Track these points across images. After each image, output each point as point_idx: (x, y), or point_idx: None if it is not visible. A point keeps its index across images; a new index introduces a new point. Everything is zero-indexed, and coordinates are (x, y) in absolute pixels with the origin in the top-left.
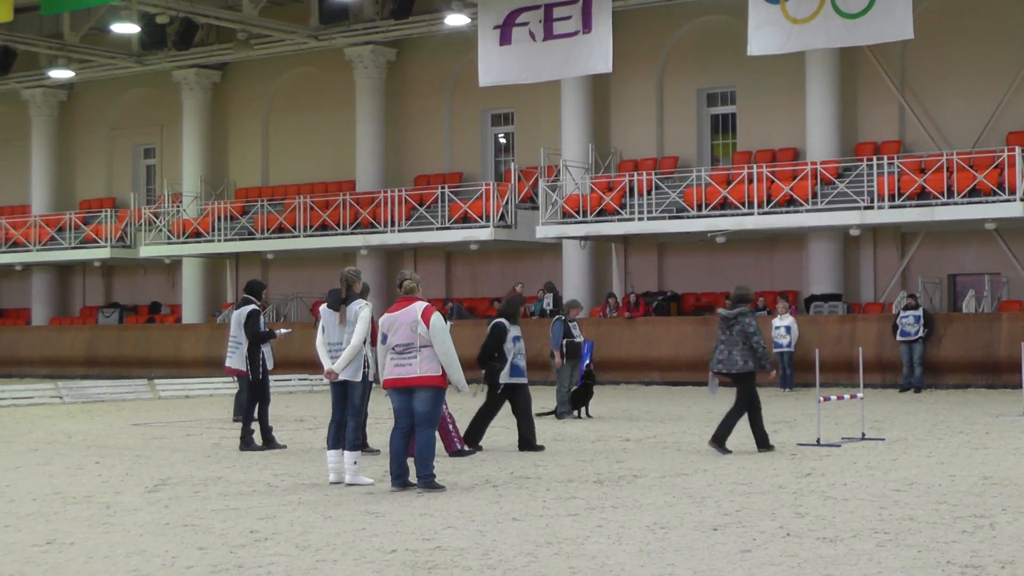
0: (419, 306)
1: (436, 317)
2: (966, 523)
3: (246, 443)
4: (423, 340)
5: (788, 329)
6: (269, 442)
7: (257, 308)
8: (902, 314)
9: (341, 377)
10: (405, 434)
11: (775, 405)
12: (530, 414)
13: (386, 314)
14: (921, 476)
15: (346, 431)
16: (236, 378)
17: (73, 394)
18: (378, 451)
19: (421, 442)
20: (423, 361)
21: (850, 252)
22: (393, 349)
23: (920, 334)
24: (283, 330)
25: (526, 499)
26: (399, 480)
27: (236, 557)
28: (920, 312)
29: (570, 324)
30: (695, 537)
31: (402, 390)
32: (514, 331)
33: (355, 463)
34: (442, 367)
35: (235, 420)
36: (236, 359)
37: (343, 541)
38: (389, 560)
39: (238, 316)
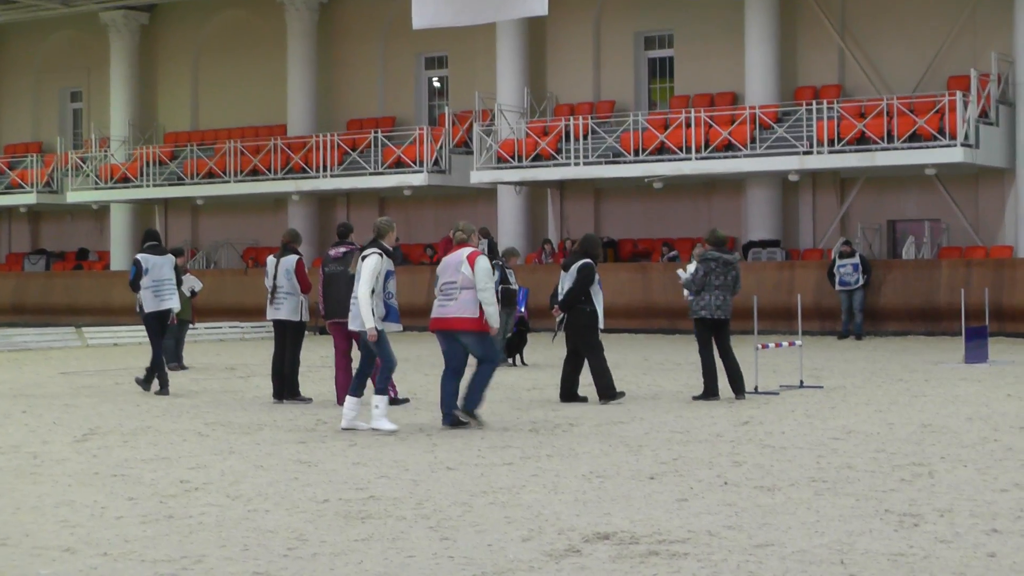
0: (466, 250)
1: (481, 259)
2: (904, 471)
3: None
4: (465, 282)
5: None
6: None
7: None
8: (839, 262)
9: (352, 327)
10: (455, 375)
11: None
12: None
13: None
14: (859, 424)
15: (377, 375)
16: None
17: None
18: (310, 399)
19: (479, 374)
20: (461, 304)
21: (789, 198)
22: (440, 290)
23: (859, 283)
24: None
25: (461, 448)
26: (449, 418)
27: (166, 507)
28: (857, 260)
29: (507, 271)
30: (632, 486)
31: (445, 333)
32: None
33: (377, 407)
34: (480, 309)
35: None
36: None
37: (275, 491)
38: (321, 510)
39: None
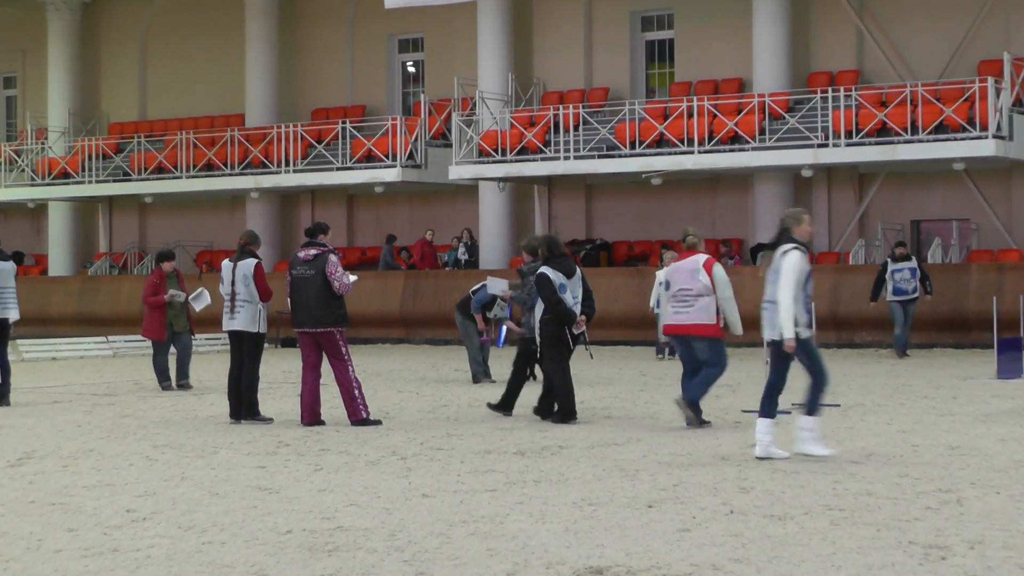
0: (701, 257)
1: (717, 267)
2: (930, 498)
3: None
4: (702, 289)
5: None
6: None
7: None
8: (893, 267)
9: (768, 336)
10: (695, 376)
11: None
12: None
13: (672, 264)
14: (880, 446)
15: (811, 394)
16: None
17: None
18: (271, 419)
19: (709, 373)
20: (698, 310)
21: (801, 195)
22: (674, 296)
23: (917, 292)
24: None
25: (438, 473)
26: (692, 420)
27: (111, 539)
28: (915, 264)
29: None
30: (627, 515)
31: (681, 338)
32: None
33: (810, 430)
34: (716, 315)
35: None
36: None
37: (232, 521)
38: (284, 542)
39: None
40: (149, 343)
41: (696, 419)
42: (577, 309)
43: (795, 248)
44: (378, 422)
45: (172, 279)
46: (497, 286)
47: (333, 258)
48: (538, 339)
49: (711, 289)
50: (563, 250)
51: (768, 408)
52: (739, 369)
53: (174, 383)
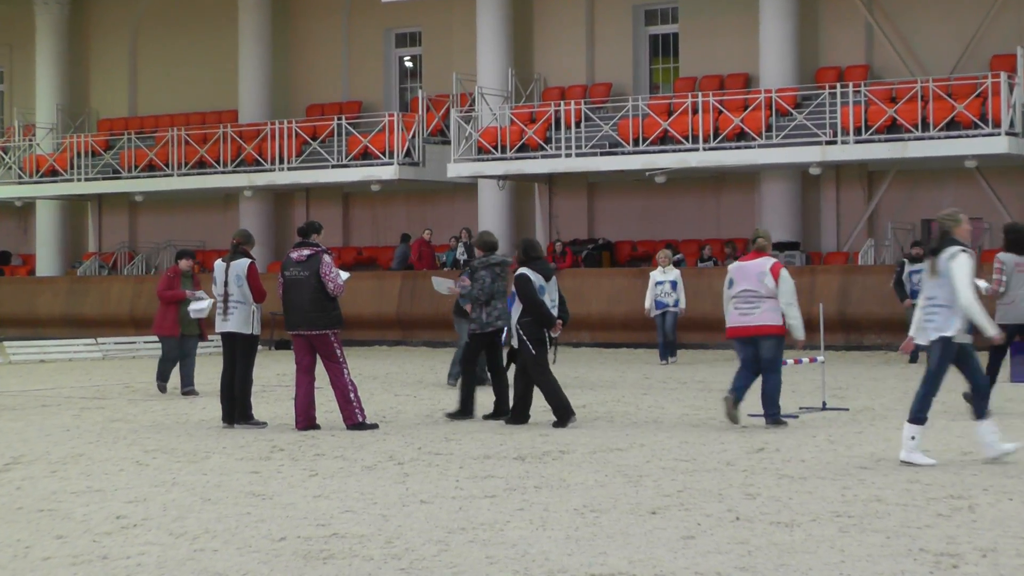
0: (768, 260)
1: (784, 272)
2: (941, 505)
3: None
4: (767, 292)
5: (674, 285)
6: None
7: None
8: (911, 268)
9: (919, 341)
10: (753, 374)
11: (705, 372)
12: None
13: (736, 263)
14: (890, 451)
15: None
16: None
17: None
18: (265, 423)
19: (769, 385)
20: (765, 311)
21: (809, 194)
22: (737, 296)
23: None
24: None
25: (436, 479)
26: (773, 417)
27: (100, 547)
28: None
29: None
30: (631, 521)
31: (745, 339)
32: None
33: (912, 438)
34: (782, 317)
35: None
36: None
37: (224, 528)
38: (278, 549)
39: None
40: (140, 345)
41: (780, 419)
42: (555, 312)
43: (962, 251)
44: (375, 426)
45: (188, 278)
46: (442, 284)
47: (327, 259)
48: (515, 341)
49: (775, 293)
50: (540, 252)
51: (919, 412)
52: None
53: (180, 390)
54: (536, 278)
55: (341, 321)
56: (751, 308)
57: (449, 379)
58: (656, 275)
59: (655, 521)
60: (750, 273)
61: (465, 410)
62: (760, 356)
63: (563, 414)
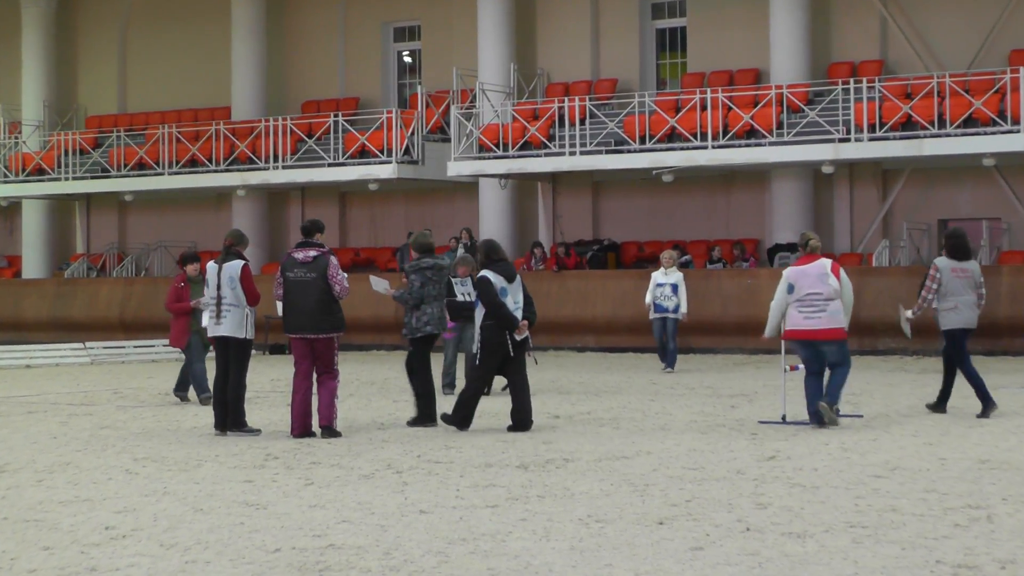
0: (827, 261)
1: (843, 271)
2: (959, 515)
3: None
4: (832, 293)
5: (675, 288)
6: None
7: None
8: None
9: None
10: (819, 377)
11: (714, 377)
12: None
13: (792, 267)
14: (905, 459)
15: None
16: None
17: None
18: (259, 431)
19: (837, 378)
20: (831, 315)
21: (822, 193)
22: (801, 300)
23: None
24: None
25: (435, 488)
26: (816, 417)
27: (88, 558)
28: None
29: (456, 281)
30: (637, 532)
31: (809, 342)
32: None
33: None
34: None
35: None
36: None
37: (217, 538)
38: (272, 561)
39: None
40: (129, 350)
41: (836, 419)
42: (519, 315)
43: None
44: (339, 434)
45: (197, 283)
46: (379, 284)
47: (334, 260)
48: (476, 344)
49: (839, 292)
50: (502, 255)
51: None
52: (755, 378)
53: (198, 396)
54: (497, 280)
55: (344, 324)
56: (817, 312)
57: (444, 388)
58: (658, 276)
59: (662, 532)
60: (812, 276)
61: (425, 415)
62: (826, 358)
63: (461, 419)
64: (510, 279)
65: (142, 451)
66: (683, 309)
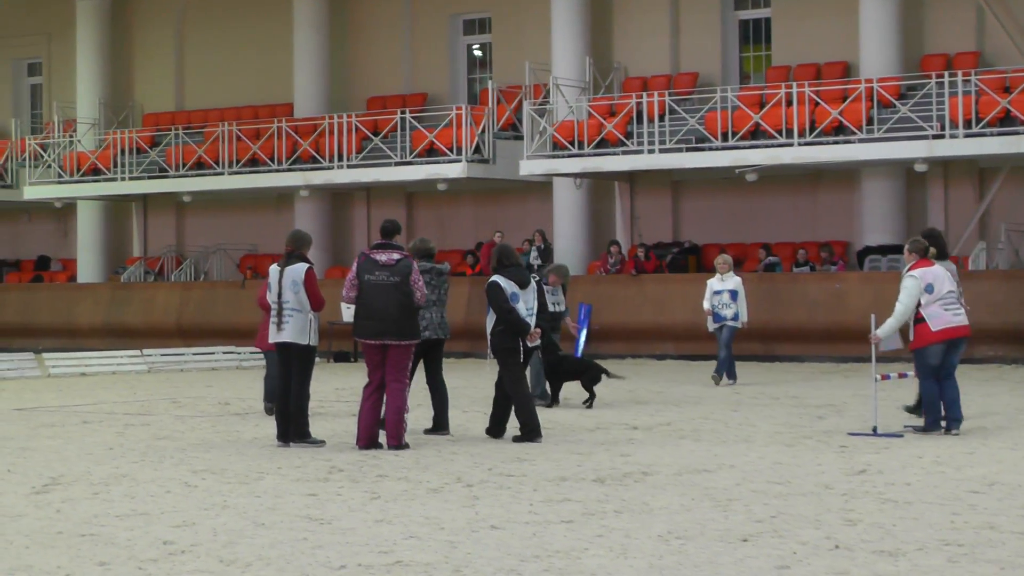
0: (950, 264)
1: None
2: None
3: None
4: (960, 292)
5: (734, 295)
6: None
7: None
8: None
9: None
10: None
11: (800, 387)
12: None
13: (919, 270)
14: (1004, 474)
15: None
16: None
17: None
18: (323, 442)
19: (952, 389)
20: (965, 314)
21: (914, 193)
22: (943, 299)
23: None
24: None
25: (507, 502)
26: (952, 425)
27: (145, 574)
28: None
29: (547, 289)
30: (719, 549)
31: (953, 340)
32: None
33: None
34: None
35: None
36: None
37: (279, 554)
38: None
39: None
40: (188, 357)
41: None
42: (532, 321)
43: None
44: (406, 446)
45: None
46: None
47: (415, 264)
48: (489, 351)
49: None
50: (516, 259)
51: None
52: (844, 388)
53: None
54: (508, 285)
55: (420, 333)
56: (959, 309)
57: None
58: (714, 283)
59: (746, 549)
60: (942, 275)
61: (439, 425)
62: (953, 360)
63: (529, 431)
64: (522, 285)
65: (201, 463)
66: (743, 318)
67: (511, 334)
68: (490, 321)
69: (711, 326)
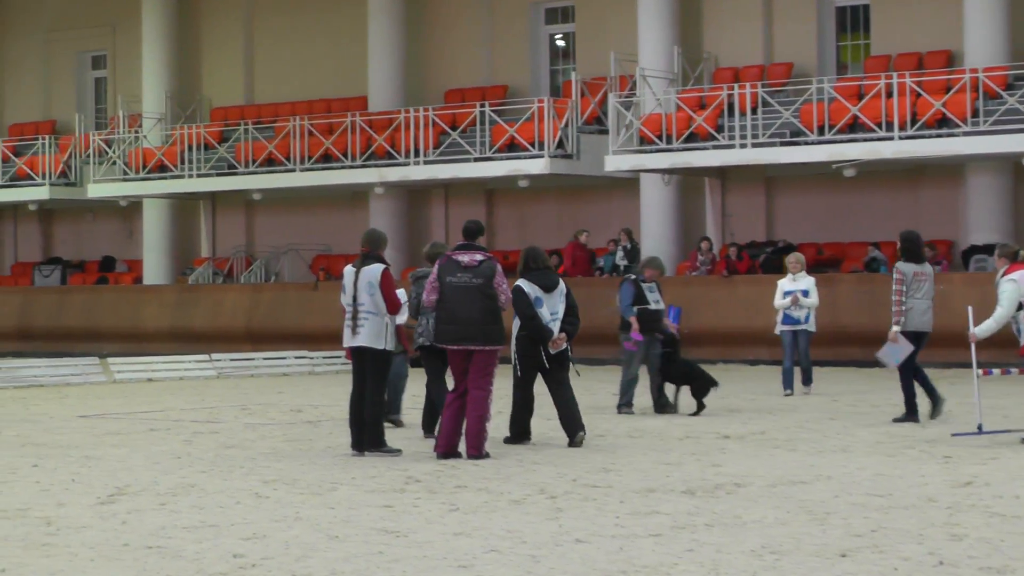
0: None
1: None
2: None
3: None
4: None
5: (806, 295)
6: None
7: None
8: None
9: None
10: None
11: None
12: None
13: (1018, 272)
14: None
15: None
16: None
17: (1, 376)
18: (399, 451)
19: None
20: None
21: (1023, 188)
22: None
23: None
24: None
25: (592, 515)
26: None
27: None
28: None
29: (645, 287)
30: (816, 565)
31: None
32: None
33: None
34: None
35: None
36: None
37: (353, 568)
38: None
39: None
40: (258, 362)
41: None
42: (556, 326)
43: None
44: (486, 455)
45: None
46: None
47: (499, 266)
48: (513, 356)
49: None
50: (545, 262)
51: None
52: (948, 394)
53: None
54: (532, 290)
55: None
56: None
57: (620, 407)
58: (785, 284)
59: (845, 565)
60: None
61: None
62: None
63: (516, 435)
64: (548, 289)
65: (272, 473)
66: (812, 319)
67: (532, 340)
68: (515, 326)
69: (779, 329)
